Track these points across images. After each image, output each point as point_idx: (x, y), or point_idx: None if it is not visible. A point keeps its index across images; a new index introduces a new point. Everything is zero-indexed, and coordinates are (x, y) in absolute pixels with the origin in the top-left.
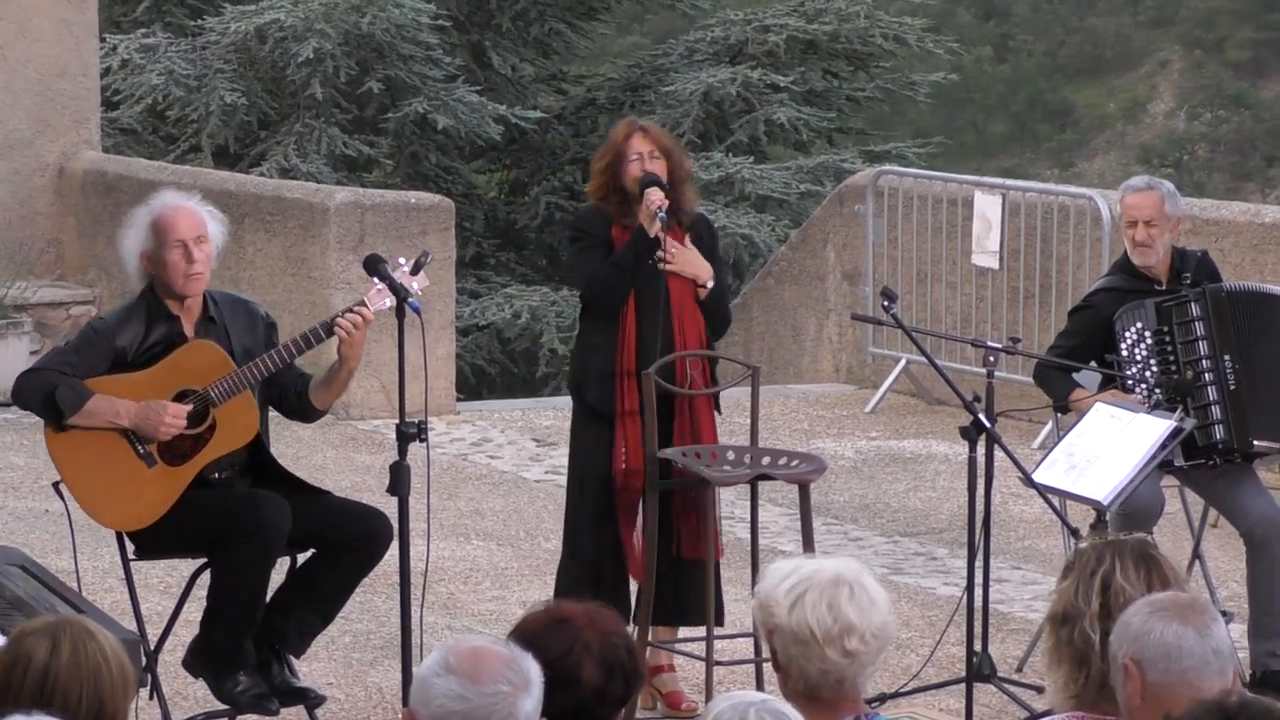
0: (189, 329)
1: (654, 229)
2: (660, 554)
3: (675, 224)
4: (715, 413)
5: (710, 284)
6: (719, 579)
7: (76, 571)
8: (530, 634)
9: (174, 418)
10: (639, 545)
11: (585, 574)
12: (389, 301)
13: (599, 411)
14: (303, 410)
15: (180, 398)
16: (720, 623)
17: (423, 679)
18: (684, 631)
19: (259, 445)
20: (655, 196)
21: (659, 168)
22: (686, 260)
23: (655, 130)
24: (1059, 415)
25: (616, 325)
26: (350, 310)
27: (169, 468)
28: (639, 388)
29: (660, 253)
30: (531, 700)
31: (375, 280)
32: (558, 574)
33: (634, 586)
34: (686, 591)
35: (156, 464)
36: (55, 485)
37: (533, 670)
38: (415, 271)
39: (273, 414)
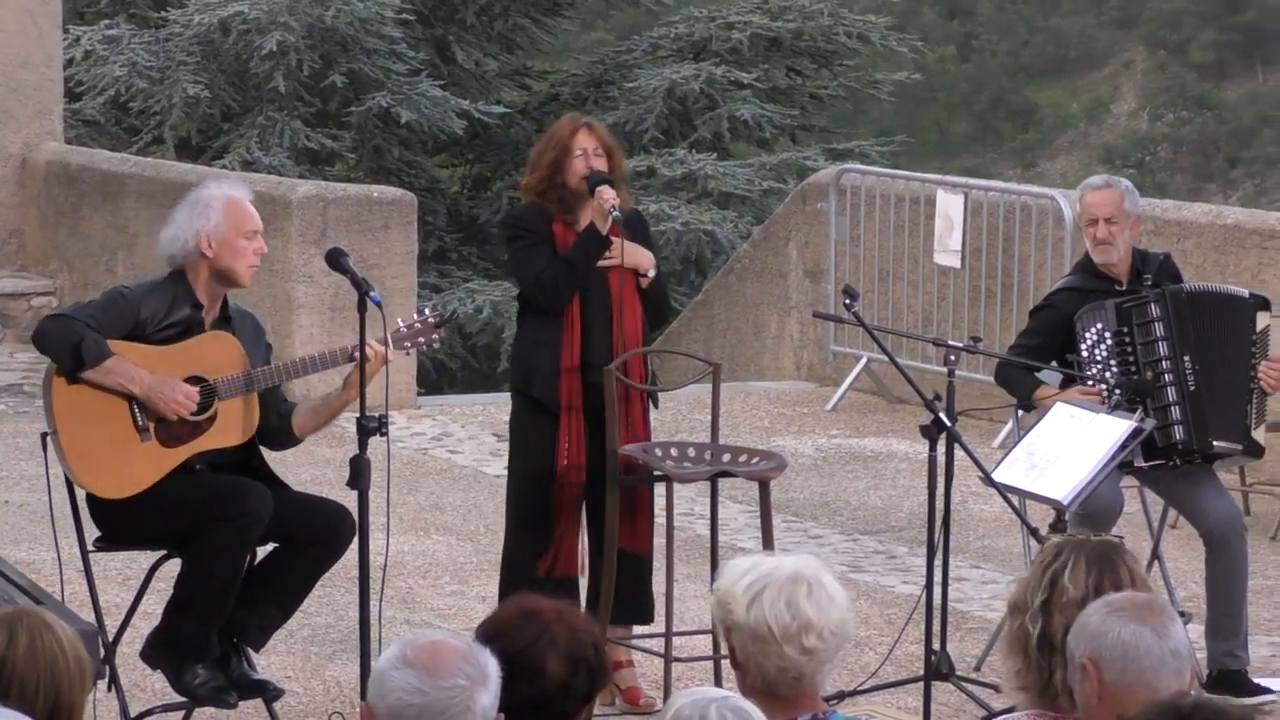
0: (208, 322)
1: (606, 227)
2: (599, 552)
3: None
4: (652, 407)
5: (652, 272)
6: (670, 576)
7: (58, 552)
8: (498, 626)
9: (186, 397)
10: (583, 542)
11: (529, 573)
12: (408, 347)
13: (546, 408)
14: (281, 434)
15: (188, 383)
16: (650, 619)
17: (380, 672)
18: (642, 628)
19: (245, 445)
20: (609, 194)
21: (601, 165)
22: (628, 251)
23: (599, 128)
24: (1019, 414)
25: (562, 322)
26: (375, 341)
27: (161, 447)
28: (584, 384)
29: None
30: (489, 695)
31: (402, 325)
32: (501, 573)
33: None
34: (632, 589)
35: (150, 440)
36: (44, 436)
37: (490, 665)
38: (439, 326)
39: None
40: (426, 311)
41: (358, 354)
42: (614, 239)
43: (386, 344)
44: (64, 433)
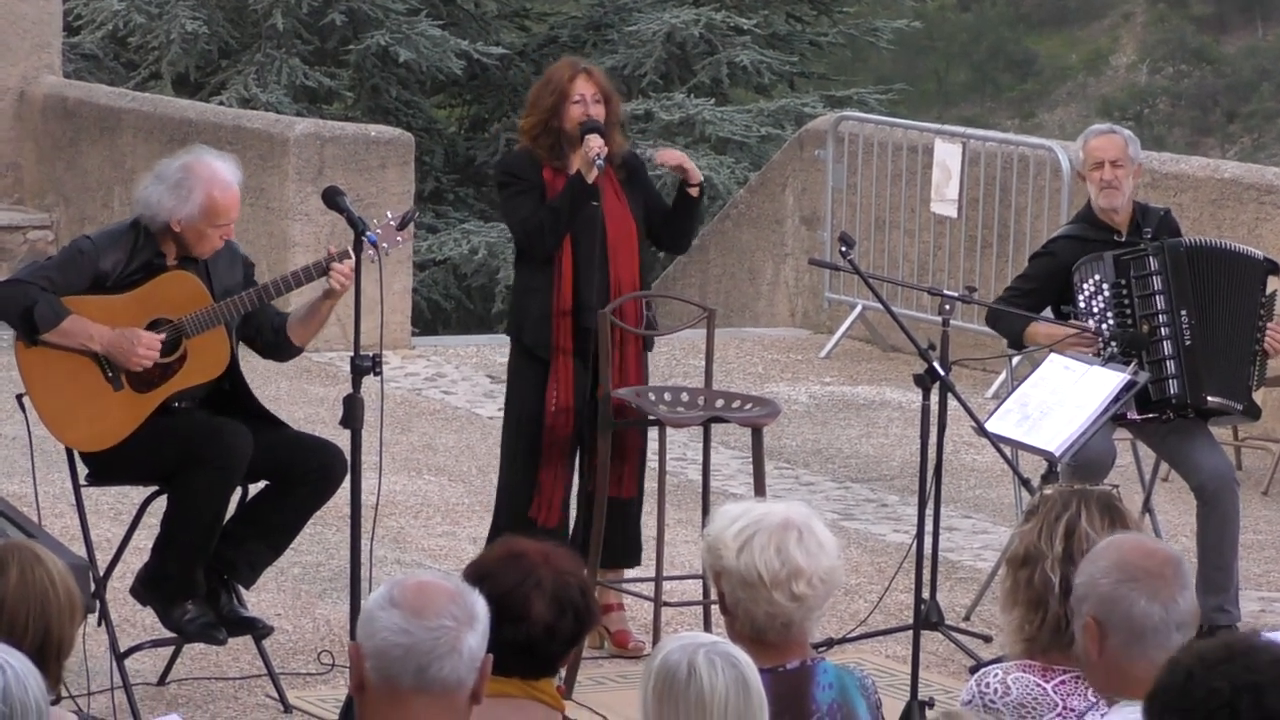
0: (171, 261)
1: (592, 175)
2: (587, 497)
3: (606, 164)
4: (646, 352)
5: (701, 181)
6: (661, 521)
7: (35, 495)
8: (484, 568)
9: (147, 348)
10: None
11: (521, 517)
12: (373, 251)
13: (535, 353)
14: (279, 347)
15: (154, 325)
16: (637, 562)
17: (368, 613)
18: (632, 572)
19: (226, 377)
20: (595, 143)
21: (599, 112)
22: (668, 157)
23: (598, 74)
24: (1013, 364)
25: (551, 267)
26: (343, 257)
27: (135, 394)
28: (574, 328)
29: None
30: (476, 636)
31: (370, 234)
32: (494, 516)
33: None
34: (620, 533)
35: (123, 388)
36: (19, 398)
37: (479, 606)
38: (401, 227)
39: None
40: (389, 214)
41: (332, 272)
42: (672, 155)
43: (356, 254)
44: (36, 394)
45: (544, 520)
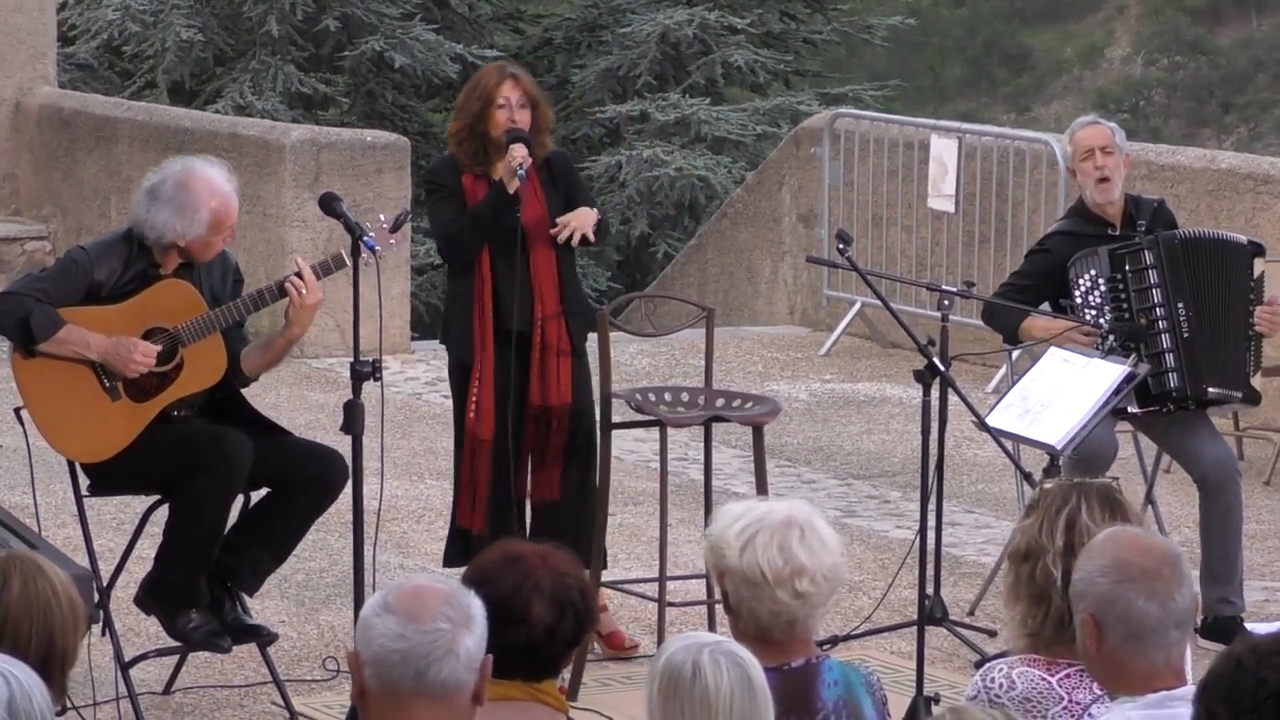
0: (167, 271)
1: (513, 186)
2: (502, 505)
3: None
4: (576, 360)
5: (592, 235)
6: (664, 521)
7: (35, 506)
8: (483, 571)
9: (144, 355)
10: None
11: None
12: (370, 256)
13: (462, 361)
14: (231, 371)
15: (149, 335)
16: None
17: (365, 620)
18: (636, 573)
19: (224, 385)
20: (519, 153)
21: (525, 117)
22: (575, 218)
23: (525, 78)
24: (1013, 359)
25: (473, 278)
26: (338, 263)
27: (133, 403)
28: (496, 334)
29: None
30: (473, 637)
31: (365, 240)
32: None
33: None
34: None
35: (121, 398)
36: (17, 411)
37: (474, 607)
38: (395, 229)
39: None
40: (381, 217)
41: (287, 285)
42: (562, 222)
43: (319, 274)
44: (34, 406)
45: (467, 525)
